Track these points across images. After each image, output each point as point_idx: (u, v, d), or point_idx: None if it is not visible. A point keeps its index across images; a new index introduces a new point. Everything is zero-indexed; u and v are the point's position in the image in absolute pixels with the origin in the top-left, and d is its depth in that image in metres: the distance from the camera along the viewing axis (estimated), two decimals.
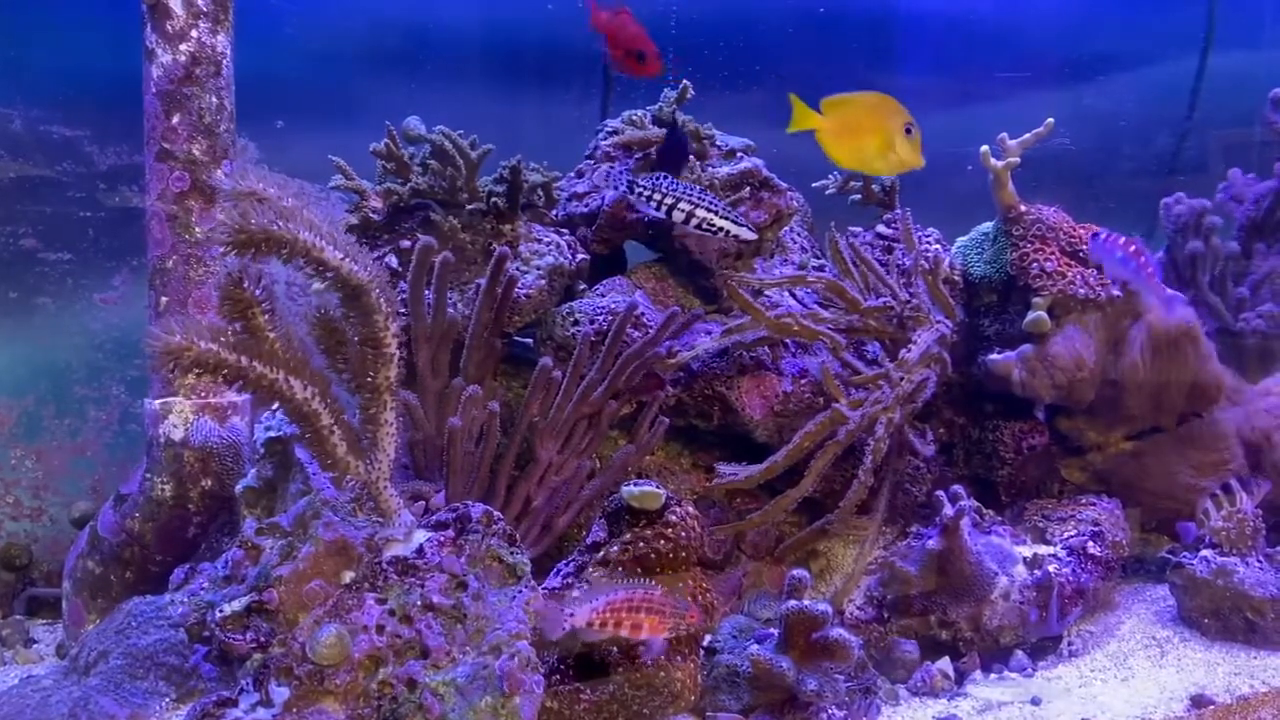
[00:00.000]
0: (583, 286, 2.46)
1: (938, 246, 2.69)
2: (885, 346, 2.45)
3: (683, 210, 2.16)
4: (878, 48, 4.01)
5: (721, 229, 2.17)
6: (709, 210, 2.17)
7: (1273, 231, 3.09)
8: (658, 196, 2.19)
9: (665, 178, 2.23)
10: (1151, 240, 3.19)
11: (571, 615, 1.56)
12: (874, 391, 2.23)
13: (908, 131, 1.77)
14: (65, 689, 1.81)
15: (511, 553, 1.59)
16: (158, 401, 2.21)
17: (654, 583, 1.62)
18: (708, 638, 1.90)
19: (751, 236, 2.24)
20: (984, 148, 2.51)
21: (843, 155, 1.79)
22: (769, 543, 2.33)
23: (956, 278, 2.62)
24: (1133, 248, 2.32)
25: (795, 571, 1.80)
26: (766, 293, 2.39)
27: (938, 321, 2.39)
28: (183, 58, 2.20)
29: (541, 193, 2.46)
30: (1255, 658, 2.11)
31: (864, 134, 1.77)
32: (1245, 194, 3.14)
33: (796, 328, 2.26)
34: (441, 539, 1.55)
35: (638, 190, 2.20)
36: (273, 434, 2.09)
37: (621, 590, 1.58)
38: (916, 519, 2.37)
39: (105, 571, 2.24)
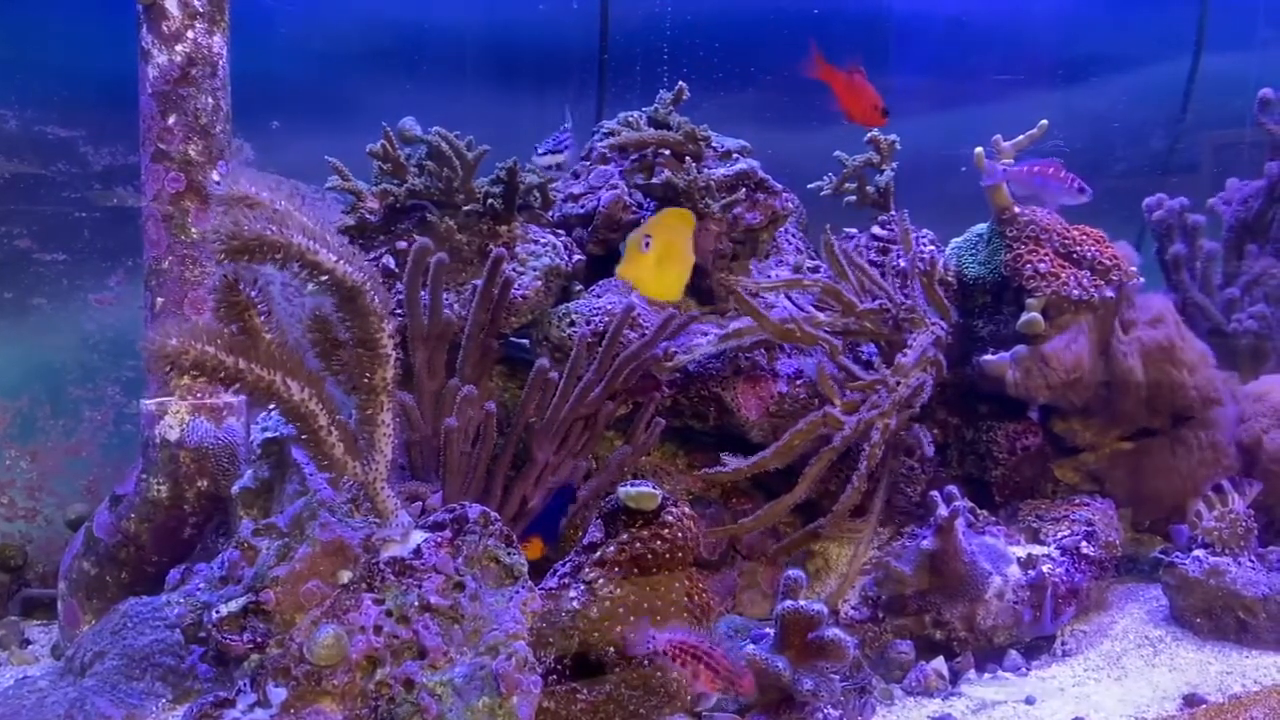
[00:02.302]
0: (579, 287, 2.46)
1: (932, 248, 2.70)
2: (881, 348, 2.46)
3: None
4: (872, 49, 4.02)
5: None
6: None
7: (1263, 232, 3.10)
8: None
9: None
10: (1142, 242, 3.20)
11: (654, 637, 1.63)
12: (871, 395, 2.24)
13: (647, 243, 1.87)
14: (61, 690, 1.81)
15: (508, 553, 1.60)
16: (153, 402, 2.21)
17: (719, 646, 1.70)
18: None
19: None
20: (978, 149, 2.52)
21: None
22: (764, 543, 2.34)
23: (950, 279, 2.63)
24: (1036, 168, 2.43)
25: (791, 572, 1.80)
26: (762, 294, 2.40)
27: (933, 323, 2.40)
28: (179, 59, 2.20)
29: (538, 194, 2.46)
30: (1247, 657, 2.12)
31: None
32: (1234, 195, 3.16)
33: (799, 334, 2.27)
34: (439, 540, 1.56)
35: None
36: (269, 435, 2.10)
37: (696, 636, 1.66)
38: (911, 519, 2.38)
39: (101, 572, 2.24)
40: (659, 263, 1.86)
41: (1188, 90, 4.29)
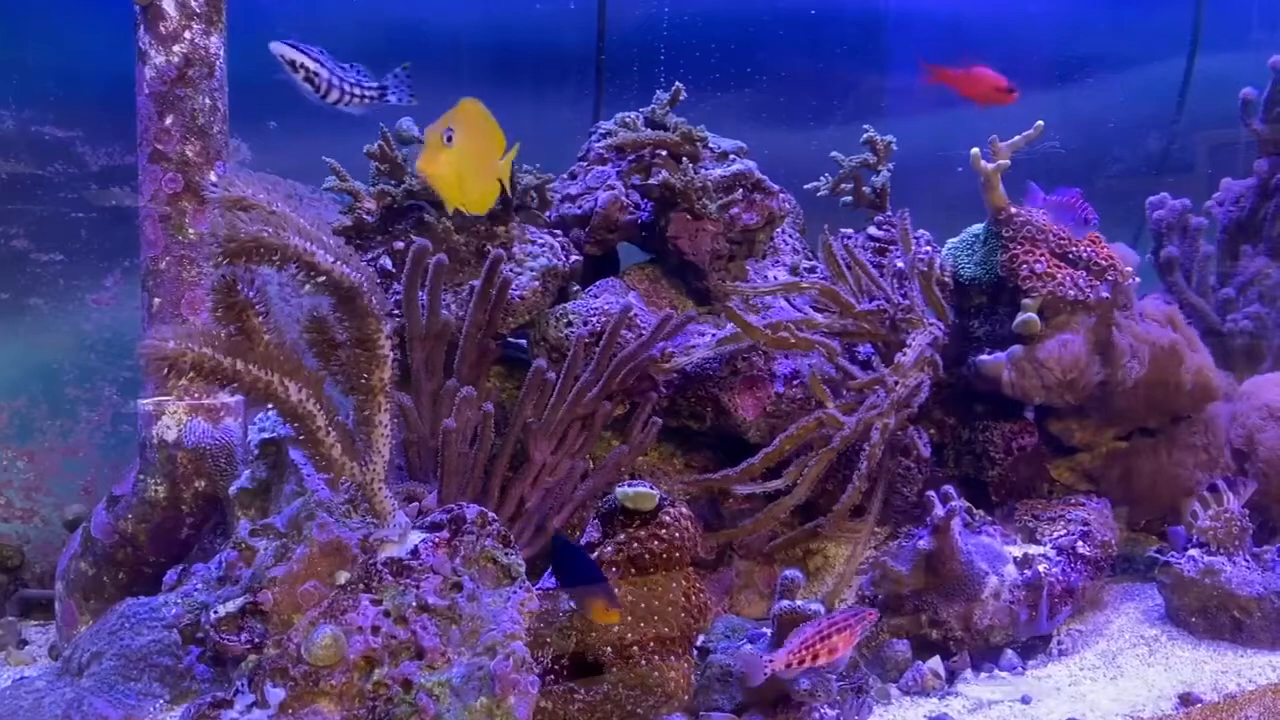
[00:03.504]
0: (576, 288, 2.47)
1: (928, 248, 2.71)
2: (878, 348, 2.46)
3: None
4: (868, 49, 4.02)
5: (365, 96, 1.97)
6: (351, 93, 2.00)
7: (1256, 231, 3.11)
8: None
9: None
10: (1139, 242, 3.21)
11: (770, 661, 1.62)
12: (869, 396, 2.24)
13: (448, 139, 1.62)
14: (59, 690, 1.81)
15: (506, 554, 1.60)
16: (150, 402, 2.21)
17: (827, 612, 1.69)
18: (700, 637, 1.91)
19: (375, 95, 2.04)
20: (974, 150, 2.53)
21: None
22: (761, 543, 2.34)
23: (947, 279, 2.64)
24: (1063, 199, 2.47)
25: (788, 572, 1.81)
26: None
27: (930, 324, 2.41)
28: (176, 59, 2.20)
29: (535, 194, 2.47)
30: (1242, 656, 2.13)
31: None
32: (1226, 195, 3.17)
33: (794, 341, 2.27)
34: (436, 540, 1.56)
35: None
36: (267, 435, 2.10)
37: (809, 627, 1.65)
38: (908, 519, 2.39)
39: (98, 573, 2.24)
40: (468, 168, 1.60)
41: (1183, 91, 4.31)
